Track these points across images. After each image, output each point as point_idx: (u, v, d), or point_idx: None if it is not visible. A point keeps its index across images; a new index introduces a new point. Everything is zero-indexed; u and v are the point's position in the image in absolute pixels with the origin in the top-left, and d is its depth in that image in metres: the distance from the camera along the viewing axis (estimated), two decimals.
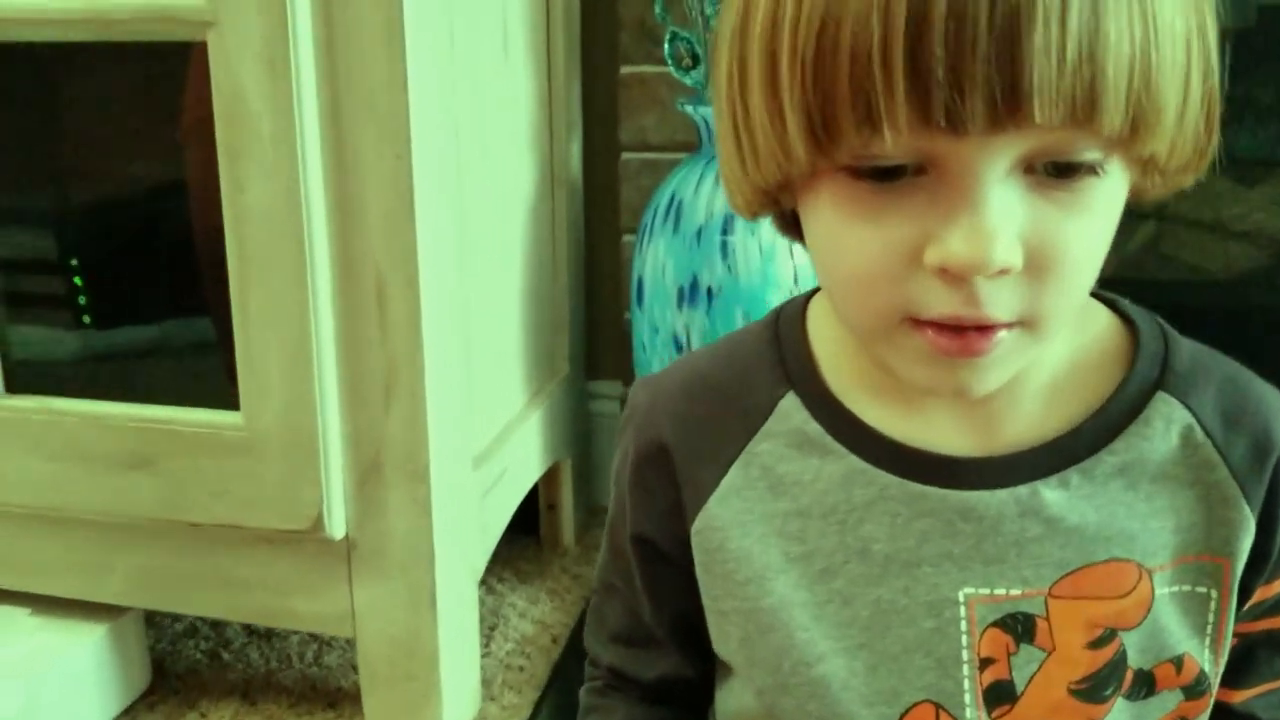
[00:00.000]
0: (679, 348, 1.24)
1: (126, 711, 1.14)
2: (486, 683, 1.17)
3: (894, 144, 0.42)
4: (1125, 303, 0.57)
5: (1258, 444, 0.53)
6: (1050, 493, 0.52)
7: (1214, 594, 0.54)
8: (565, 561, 1.44)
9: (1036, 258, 0.44)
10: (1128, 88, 0.42)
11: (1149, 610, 0.53)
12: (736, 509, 0.55)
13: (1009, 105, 0.41)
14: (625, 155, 1.42)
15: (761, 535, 0.55)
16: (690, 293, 1.24)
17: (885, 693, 0.53)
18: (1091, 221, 0.46)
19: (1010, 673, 0.53)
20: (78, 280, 1.15)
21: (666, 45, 1.25)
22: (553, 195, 1.35)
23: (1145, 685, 0.54)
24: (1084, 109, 0.41)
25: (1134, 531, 0.53)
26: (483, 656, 1.20)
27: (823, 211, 0.47)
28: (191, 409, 1.00)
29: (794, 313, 0.58)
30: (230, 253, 0.94)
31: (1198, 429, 0.53)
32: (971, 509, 0.52)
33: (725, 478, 0.55)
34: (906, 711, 0.53)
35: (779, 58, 0.44)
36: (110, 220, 1.14)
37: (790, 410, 0.55)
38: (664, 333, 1.27)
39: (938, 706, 0.53)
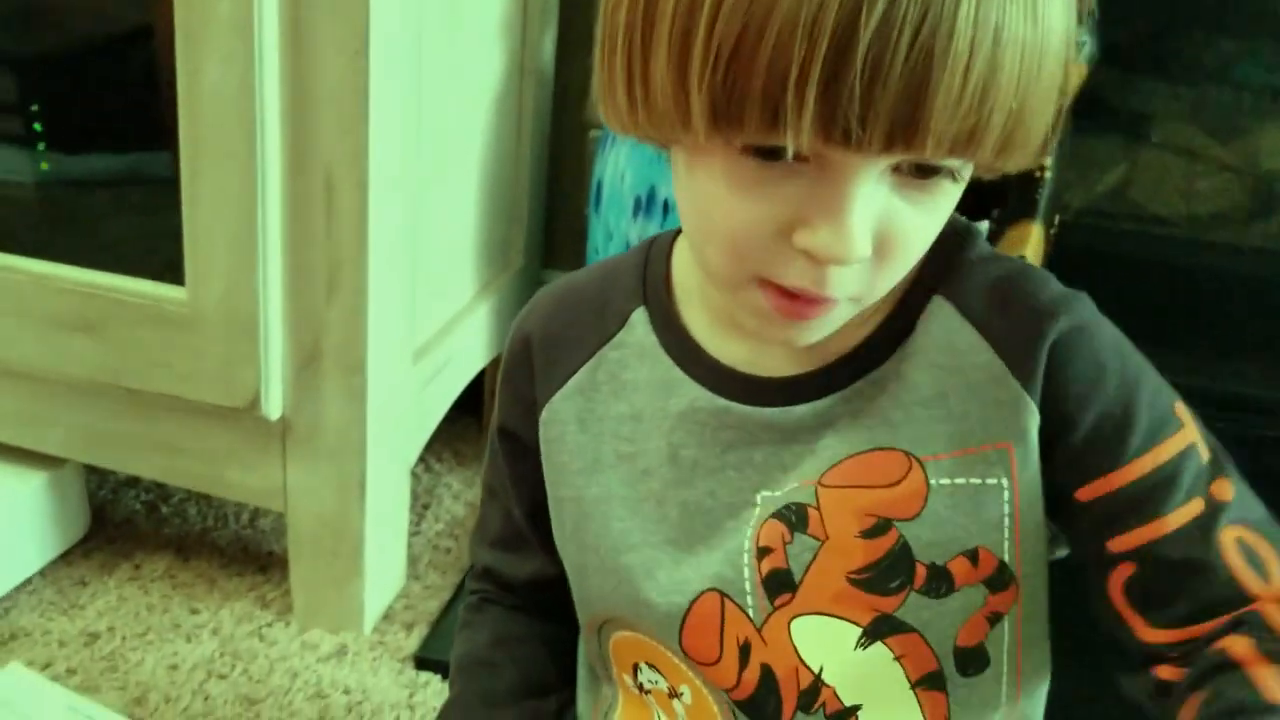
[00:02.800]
0: None
1: (63, 556, 1.18)
2: (413, 560, 1.22)
3: (791, 147, 0.44)
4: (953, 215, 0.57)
5: (1025, 319, 0.54)
6: (844, 404, 0.56)
7: (1005, 482, 0.54)
8: None
9: (882, 246, 0.48)
10: (1003, 125, 0.45)
11: (925, 500, 0.55)
12: (579, 405, 0.61)
13: (905, 137, 0.44)
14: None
15: (597, 433, 0.61)
16: (647, 203, 1.25)
17: (679, 583, 0.58)
18: (935, 218, 0.50)
19: (787, 561, 0.56)
20: (37, 126, 1.15)
21: None
22: (520, 86, 1.34)
23: (943, 581, 0.55)
24: (966, 144, 0.45)
25: (896, 420, 0.55)
26: (412, 535, 1.25)
27: (704, 175, 0.49)
28: (138, 280, 1.02)
29: (664, 242, 0.63)
30: (182, 134, 0.94)
31: (957, 316, 0.55)
32: (772, 422, 0.57)
33: (574, 376, 0.62)
34: (695, 599, 0.58)
35: (692, 42, 0.44)
36: (73, 65, 1.13)
37: (638, 322, 0.61)
38: (617, 239, 1.28)
39: (722, 595, 0.57)
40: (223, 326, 0.99)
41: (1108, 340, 0.55)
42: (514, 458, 0.66)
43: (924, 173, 0.47)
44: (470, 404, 1.47)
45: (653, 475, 0.60)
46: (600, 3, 0.49)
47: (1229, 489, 0.54)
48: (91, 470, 1.24)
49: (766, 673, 0.58)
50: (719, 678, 0.59)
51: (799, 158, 0.46)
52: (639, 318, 0.61)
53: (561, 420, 0.62)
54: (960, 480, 0.55)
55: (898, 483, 0.55)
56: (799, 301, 0.50)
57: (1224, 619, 0.53)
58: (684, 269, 0.61)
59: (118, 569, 1.18)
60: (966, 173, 0.49)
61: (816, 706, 0.57)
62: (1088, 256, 1.41)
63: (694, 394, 0.59)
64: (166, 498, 1.31)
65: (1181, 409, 0.55)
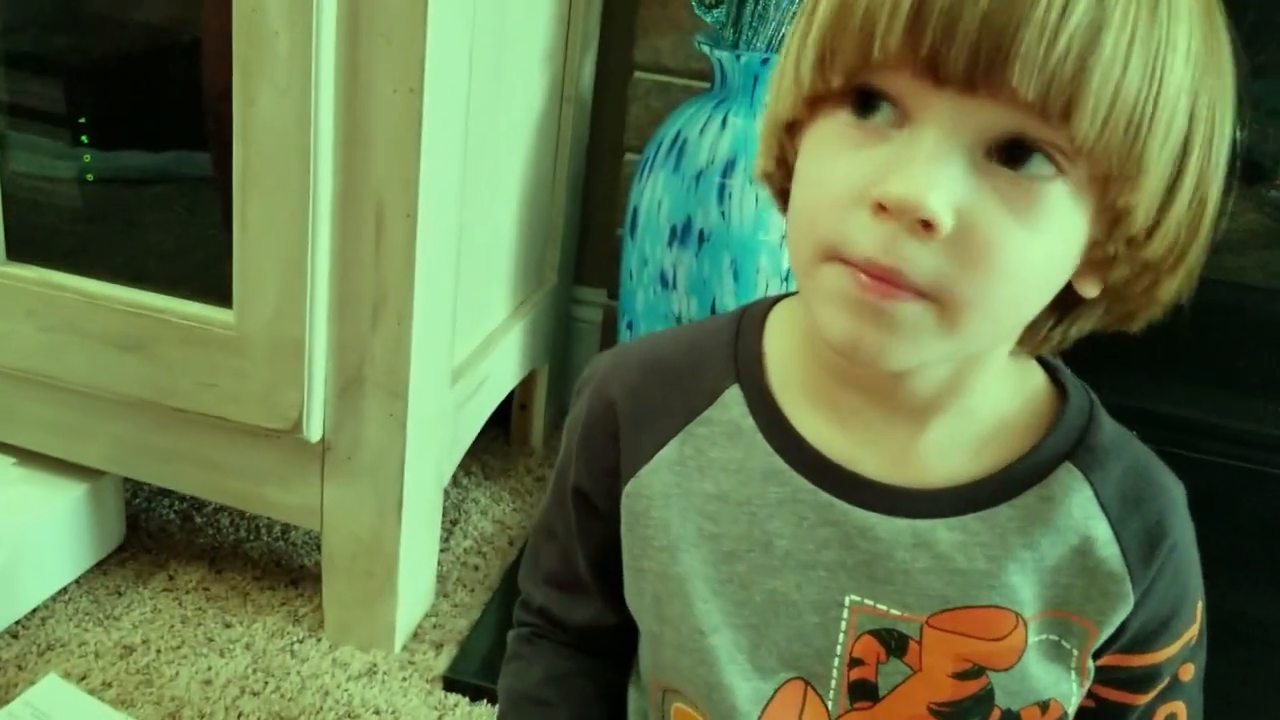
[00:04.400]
0: (665, 284, 1.27)
1: (99, 565, 1.20)
2: (442, 578, 1.24)
3: (890, 65, 0.46)
4: (1066, 372, 0.60)
5: (1150, 530, 0.57)
6: (947, 533, 0.56)
7: (1075, 652, 0.58)
8: (531, 462, 1.50)
9: (965, 237, 0.46)
10: (1109, 107, 0.44)
11: (1020, 656, 0.57)
12: (665, 481, 0.60)
13: (990, 68, 0.44)
14: (638, 74, 1.42)
15: (682, 509, 0.59)
16: (683, 232, 1.26)
17: (763, 668, 0.59)
18: (1031, 228, 0.47)
19: (876, 677, 0.58)
20: (84, 139, 1.17)
21: None
22: (560, 111, 1.35)
23: None
24: (1059, 96, 0.44)
25: (1018, 585, 0.56)
26: (441, 552, 1.27)
27: (808, 148, 0.52)
28: (185, 300, 1.03)
29: (757, 313, 0.62)
30: (236, 161, 0.96)
31: (1095, 504, 0.56)
32: (871, 529, 0.56)
33: (661, 451, 0.60)
34: (780, 686, 0.59)
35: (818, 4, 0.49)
36: (123, 76, 1.15)
37: (731, 401, 0.59)
38: (652, 266, 1.29)
39: (807, 684, 0.58)
40: (269, 350, 1.01)
41: (1192, 551, 0.59)
42: (585, 515, 0.65)
43: (1014, 160, 0.46)
44: (498, 418, 1.49)
45: (739, 559, 0.59)
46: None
47: (1191, 671, 0.62)
48: (127, 479, 1.26)
49: None
50: None
51: (891, 122, 0.48)
52: (732, 397, 0.59)
53: (647, 495, 0.60)
54: (1048, 637, 0.57)
55: (1002, 639, 0.57)
56: (872, 282, 0.47)
57: None
58: (780, 343, 0.60)
59: (153, 579, 1.20)
60: (1071, 184, 0.47)
61: None
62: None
63: (796, 484, 0.57)
64: (200, 507, 1.32)
65: (1200, 604, 0.61)
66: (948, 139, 0.46)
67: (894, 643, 0.57)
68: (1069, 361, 0.61)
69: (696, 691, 0.61)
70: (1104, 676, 0.60)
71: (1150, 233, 0.49)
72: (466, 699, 1.08)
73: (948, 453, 0.57)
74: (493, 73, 1.12)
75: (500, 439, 1.53)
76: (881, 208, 0.47)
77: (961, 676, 0.57)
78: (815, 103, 0.51)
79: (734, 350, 0.61)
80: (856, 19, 0.47)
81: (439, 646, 1.14)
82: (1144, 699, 0.62)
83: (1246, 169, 1.58)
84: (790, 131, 0.53)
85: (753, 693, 0.59)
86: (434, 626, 1.17)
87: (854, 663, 0.58)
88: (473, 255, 1.15)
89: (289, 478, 1.09)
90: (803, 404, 0.59)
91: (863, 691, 0.58)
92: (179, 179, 1.13)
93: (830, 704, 0.59)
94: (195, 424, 1.08)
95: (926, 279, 0.47)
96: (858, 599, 0.57)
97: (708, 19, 1.24)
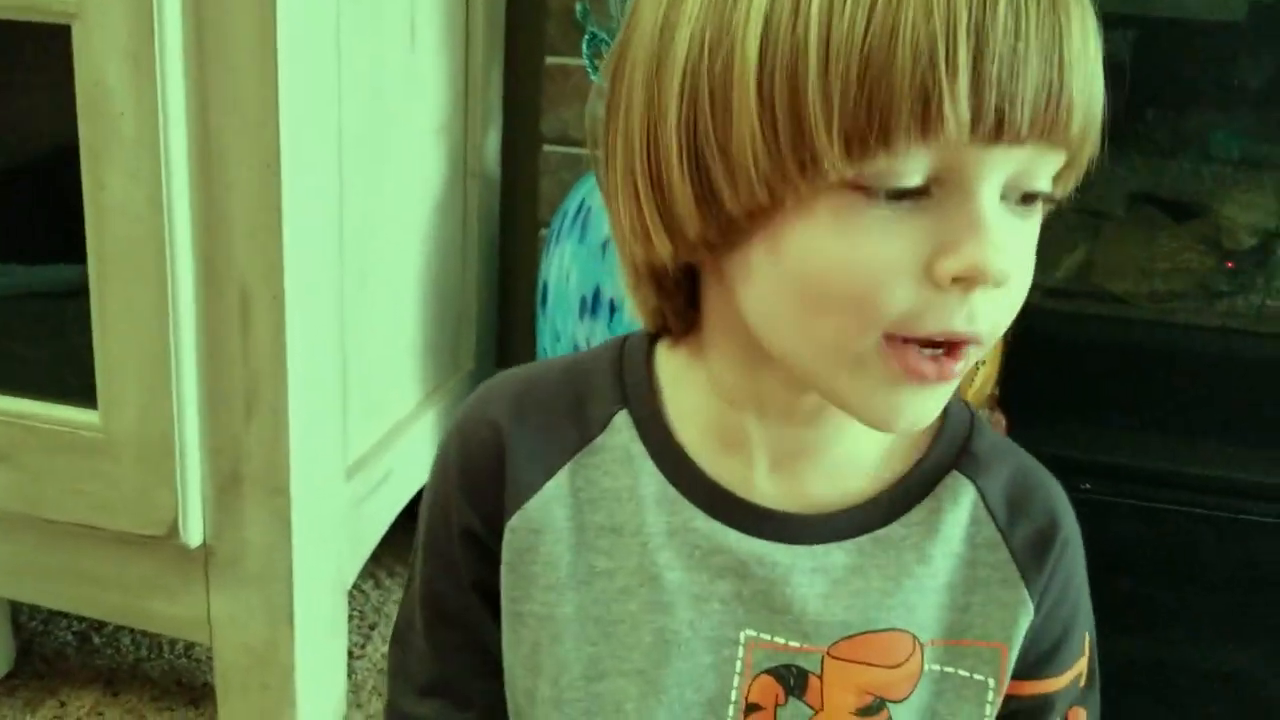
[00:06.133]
0: None
1: None
2: (357, 687, 1.16)
3: (953, 134, 0.43)
4: None
5: (1040, 531, 0.55)
6: (843, 556, 0.54)
7: (991, 682, 0.55)
8: None
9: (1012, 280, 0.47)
10: (1097, 124, 0.46)
11: (916, 684, 0.54)
12: (555, 515, 0.55)
13: (1050, 113, 0.44)
14: (546, 148, 1.38)
15: (572, 545, 0.55)
16: (593, 303, 1.21)
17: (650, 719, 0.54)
18: (1034, 247, 0.48)
19: None
20: None
21: (585, 45, 1.21)
22: (465, 187, 1.31)
23: None
24: (1090, 127, 0.45)
25: (915, 603, 0.54)
26: (357, 659, 1.19)
27: (805, 242, 0.46)
28: (50, 404, 0.97)
29: (639, 342, 0.58)
30: (90, 251, 0.90)
31: (983, 509, 0.55)
32: (766, 556, 0.53)
33: (549, 482, 0.55)
34: None
35: (802, 83, 0.43)
36: None
37: (621, 426, 0.56)
38: (565, 340, 1.24)
39: None
40: (137, 450, 0.94)
41: (1080, 559, 0.57)
42: (478, 560, 0.58)
43: (1025, 200, 0.47)
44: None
45: (630, 596, 0.54)
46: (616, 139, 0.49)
47: (1082, 715, 0.59)
48: (20, 602, 1.18)
49: None
50: None
51: (918, 193, 0.45)
52: (622, 421, 0.55)
53: (536, 530, 0.55)
54: (949, 669, 0.55)
55: (901, 665, 0.54)
56: (946, 358, 0.47)
57: None
58: (671, 376, 0.56)
59: (42, 707, 1.12)
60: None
61: None
62: (1049, 339, 1.38)
63: (688, 513, 0.54)
64: (99, 627, 1.24)
65: (1090, 636, 0.59)
66: (987, 194, 0.45)
67: (793, 680, 0.54)
68: (1009, 415, 0.59)
69: None
70: (1007, 706, 0.57)
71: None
72: None
73: (840, 476, 0.55)
74: (373, 148, 1.07)
75: None
76: (958, 278, 0.45)
77: (864, 713, 0.54)
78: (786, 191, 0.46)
79: (620, 376, 0.57)
80: (901, 86, 0.42)
81: None
82: None
83: (1182, 209, 1.55)
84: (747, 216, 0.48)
85: None
86: None
87: (750, 708, 0.54)
88: (365, 341, 1.10)
89: (173, 588, 1.01)
90: (694, 431, 0.55)
91: None
92: (55, 293, 1.07)
93: None
94: (70, 535, 1.01)
95: (990, 329, 0.47)
96: (754, 633, 0.54)
97: (604, 83, 1.21)
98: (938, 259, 0.45)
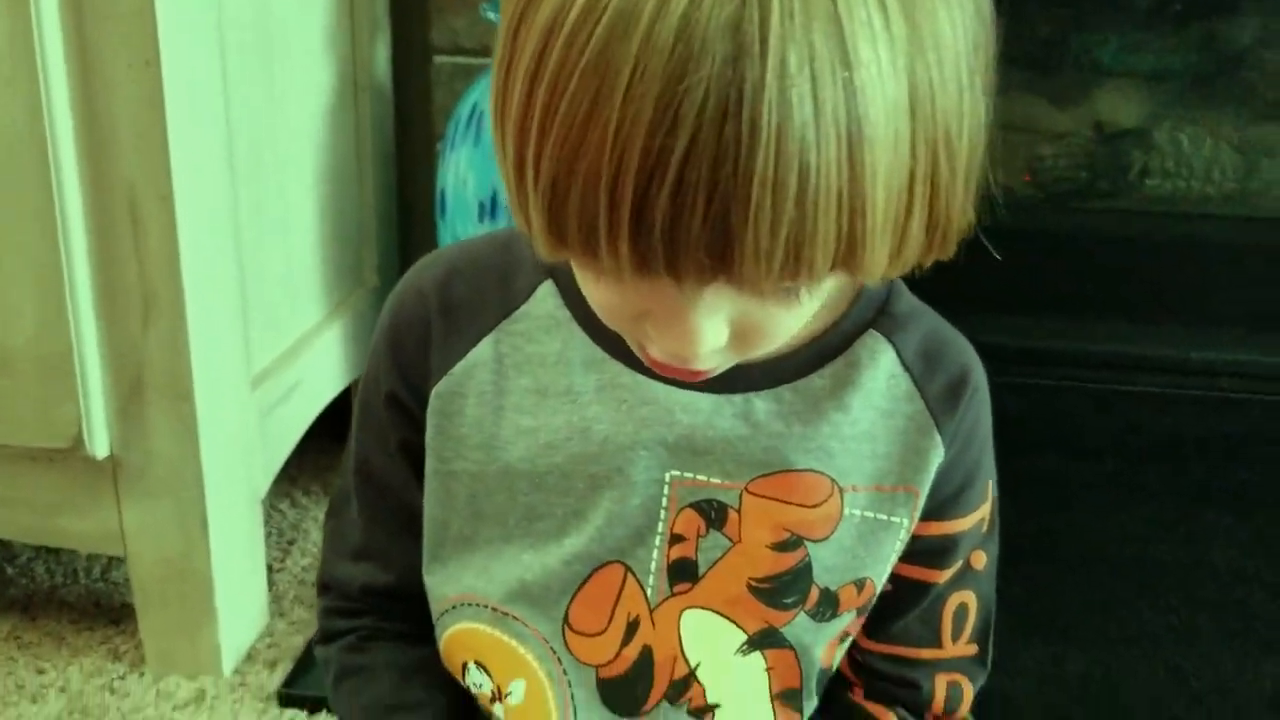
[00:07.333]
0: None
1: None
2: (278, 598, 1.17)
3: (620, 275, 0.43)
4: None
5: (952, 380, 0.59)
6: (762, 403, 0.57)
7: (905, 523, 0.59)
8: None
9: (742, 337, 0.47)
10: (835, 240, 0.41)
11: (836, 526, 0.58)
12: (481, 379, 0.58)
13: (722, 271, 0.42)
14: (438, 59, 1.37)
15: (498, 407, 0.58)
16: (491, 207, 1.22)
17: (583, 554, 0.58)
18: (805, 307, 0.47)
19: (696, 554, 0.58)
20: None
21: None
22: (356, 101, 1.30)
23: (830, 606, 0.59)
24: (791, 268, 0.41)
25: (834, 450, 0.57)
26: (276, 572, 1.20)
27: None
28: None
29: None
30: None
31: (899, 365, 0.58)
32: (691, 404, 0.57)
33: (476, 348, 0.58)
34: (597, 568, 0.58)
35: (524, 173, 0.43)
36: None
37: (546, 295, 0.58)
38: None
39: (626, 569, 0.58)
40: (36, 363, 0.94)
41: (987, 410, 0.61)
42: (403, 426, 0.61)
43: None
44: (337, 431, 1.42)
45: (558, 449, 0.58)
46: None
47: (984, 560, 0.63)
48: None
49: (646, 654, 0.59)
50: (593, 651, 0.59)
51: None
52: (547, 290, 0.58)
53: (461, 393, 0.58)
54: (869, 514, 0.58)
55: (818, 505, 0.57)
56: (675, 370, 0.50)
57: (911, 655, 0.63)
58: None
59: None
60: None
61: (682, 700, 0.59)
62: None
63: (615, 370, 0.57)
64: (12, 558, 1.24)
65: (993, 482, 0.62)
66: (707, 313, 0.45)
67: (714, 513, 0.58)
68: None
69: (506, 591, 0.59)
70: (910, 549, 0.61)
71: (895, 258, 0.45)
72: (305, 713, 1.02)
73: None
74: (259, 56, 1.06)
75: (340, 453, 1.46)
76: None
77: (780, 548, 0.58)
78: None
79: None
80: (572, 225, 0.42)
81: (274, 665, 1.08)
82: (940, 575, 0.62)
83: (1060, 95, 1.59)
84: None
85: (569, 575, 0.58)
86: (268, 646, 1.11)
87: (674, 540, 0.58)
88: (263, 253, 1.10)
89: (83, 504, 1.01)
90: None
91: (682, 571, 0.58)
92: None
93: (649, 590, 0.58)
94: None
95: (724, 365, 0.50)
96: (678, 473, 0.57)
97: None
98: (647, 320, 0.47)
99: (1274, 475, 1.46)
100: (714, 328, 0.46)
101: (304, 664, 1.07)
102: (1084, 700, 1.08)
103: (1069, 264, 1.55)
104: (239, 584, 1.08)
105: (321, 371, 1.25)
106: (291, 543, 1.28)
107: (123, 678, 1.05)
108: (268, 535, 1.16)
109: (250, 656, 1.09)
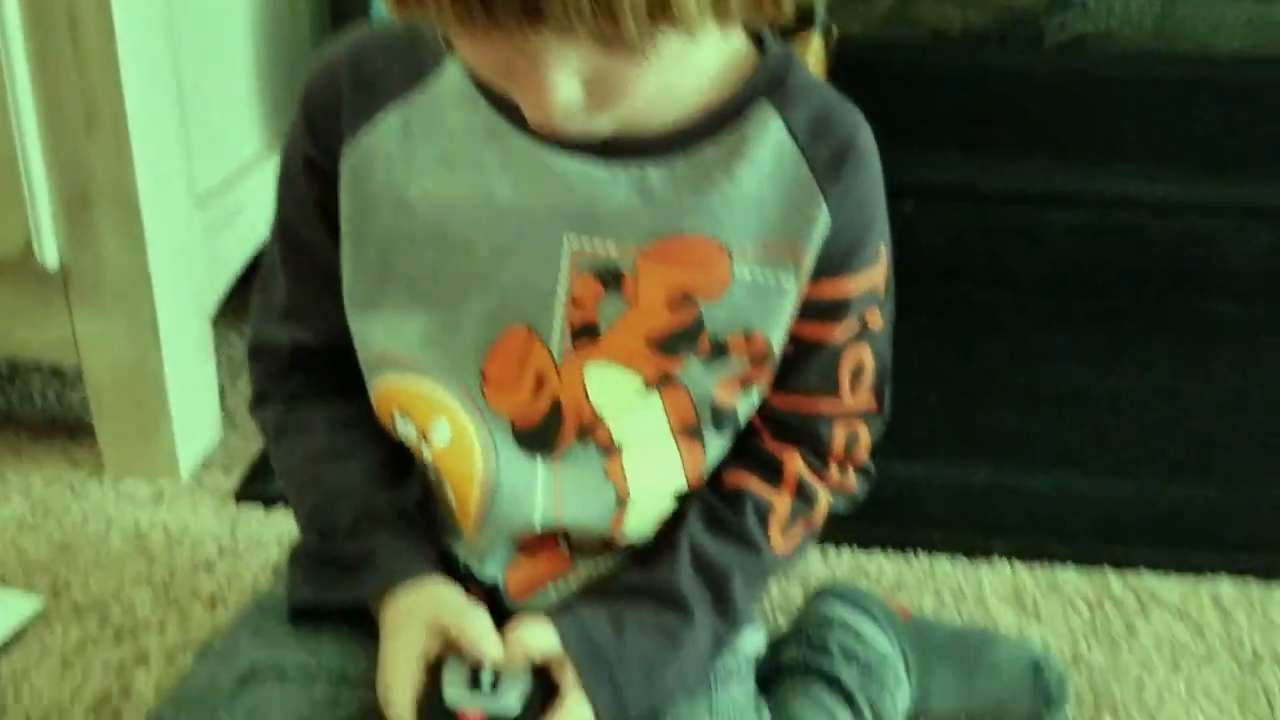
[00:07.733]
0: None
1: None
2: (230, 412, 1.22)
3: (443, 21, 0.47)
4: (768, 33, 0.64)
5: (838, 148, 0.63)
6: (656, 171, 0.61)
7: (789, 286, 0.63)
8: None
9: (598, 94, 0.51)
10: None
11: (726, 288, 0.62)
12: (388, 145, 0.62)
13: (534, 12, 0.45)
14: None
15: (406, 172, 0.62)
16: None
17: (490, 314, 0.63)
18: (658, 66, 0.50)
19: (596, 316, 0.63)
20: None
21: None
22: None
23: (720, 353, 0.65)
24: (606, 14, 0.44)
25: (722, 215, 0.61)
26: (229, 395, 1.24)
27: None
28: None
29: None
30: None
31: (787, 134, 0.62)
32: (589, 173, 0.61)
33: (385, 116, 0.62)
34: (503, 329, 0.63)
35: None
36: None
37: (454, 71, 0.62)
38: None
39: (530, 329, 0.63)
40: None
41: (876, 177, 0.65)
42: (319, 189, 0.65)
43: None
44: None
45: (463, 214, 0.62)
46: None
47: (879, 321, 0.68)
48: None
49: (555, 406, 0.64)
50: (508, 403, 0.64)
51: None
52: (454, 65, 0.62)
53: (370, 158, 0.62)
54: (759, 279, 0.63)
55: (709, 269, 0.62)
56: (553, 132, 0.54)
57: (811, 406, 0.69)
58: None
59: None
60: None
61: (590, 440, 0.65)
62: (866, 68, 1.46)
63: (518, 142, 0.60)
64: None
65: (885, 247, 0.67)
66: (546, 58, 0.48)
67: (610, 278, 0.62)
68: None
69: (421, 346, 0.63)
70: (798, 311, 0.65)
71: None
72: (262, 508, 1.07)
73: (657, 108, 0.59)
74: None
75: None
76: None
77: (673, 308, 0.63)
78: None
79: None
80: None
81: (229, 469, 1.13)
82: (833, 331, 0.67)
83: None
84: None
85: (477, 339, 0.63)
86: (224, 455, 1.16)
87: (574, 303, 0.62)
88: (202, 72, 1.12)
89: (35, 314, 1.05)
90: None
91: (584, 331, 0.63)
92: None
93: (554, 349, 0.63)
94: None
95: (590, 123, 0.53)
96: (575, 237, 0.61)
97: None
98: (507, 79, 0.51)
99: (1187, 301, 1.53)
100: (565, 83, 0.49)
101: (259, 469, 1.13)
102: (990, 505, 1.11)
103: (1001, 103, 1.60)
104: (192, 392, 1.12)
105: (265, 201, 1.27)
106: (243, 365, 1.32)
107: (83, 482, 1.10)
108: (219, 363, 1.20)
109: (206, 465, 1.14)
